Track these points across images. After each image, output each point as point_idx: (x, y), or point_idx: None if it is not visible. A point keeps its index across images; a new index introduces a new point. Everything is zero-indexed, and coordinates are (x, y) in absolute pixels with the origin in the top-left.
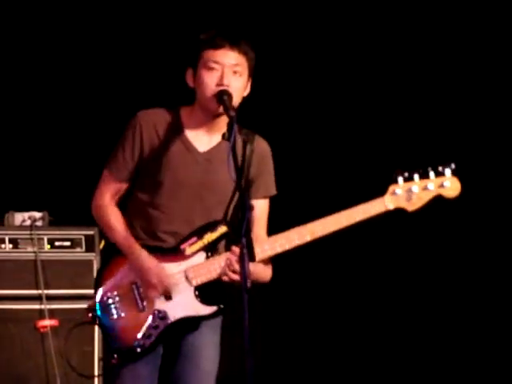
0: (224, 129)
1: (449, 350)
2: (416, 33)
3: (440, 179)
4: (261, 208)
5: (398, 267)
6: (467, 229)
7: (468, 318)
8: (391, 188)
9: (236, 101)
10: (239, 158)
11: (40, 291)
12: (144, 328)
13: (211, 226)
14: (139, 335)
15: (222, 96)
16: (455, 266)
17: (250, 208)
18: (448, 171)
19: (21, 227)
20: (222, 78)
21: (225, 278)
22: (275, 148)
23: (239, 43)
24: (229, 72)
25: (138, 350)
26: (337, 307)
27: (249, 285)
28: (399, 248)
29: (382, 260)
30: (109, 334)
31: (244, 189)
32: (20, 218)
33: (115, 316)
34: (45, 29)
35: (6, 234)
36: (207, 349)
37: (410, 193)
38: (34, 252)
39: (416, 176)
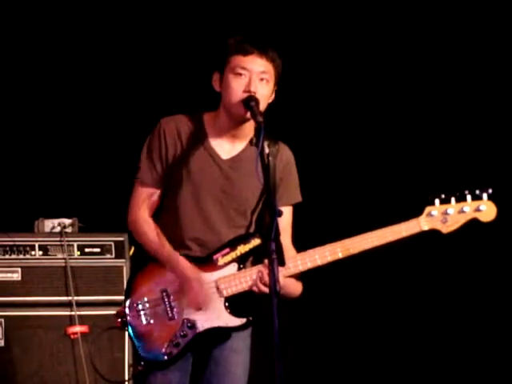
0: (248, 136)
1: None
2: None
3: (476, 203)
4: (285, 216)
5: (424, 279)
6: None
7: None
8: (427, 209)
9: (262, 107)
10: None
11: (70, 298)
12: (172, 336)
13: (244, 238)
14: (167, 343)
15: (250, 102)
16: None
17: (279, 213)
18: (485, 195)
19: (51, 234)
20: (249, 84)
21: (254, 289)
22: (309, 157)
23: (267, 50)
24: (256, 78)
25: (166, 358)
26: (365, 314)
27: (278, 289)
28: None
29: (409, 267)
30: (137, 341)
31: (272, 194)
32: (50, 224)
33: (144, 322)
34: (71, 41)
35: (36, 241)
36: (238, 354)
37: (445, 215)
38: (64, 259)
39: (453, 199)
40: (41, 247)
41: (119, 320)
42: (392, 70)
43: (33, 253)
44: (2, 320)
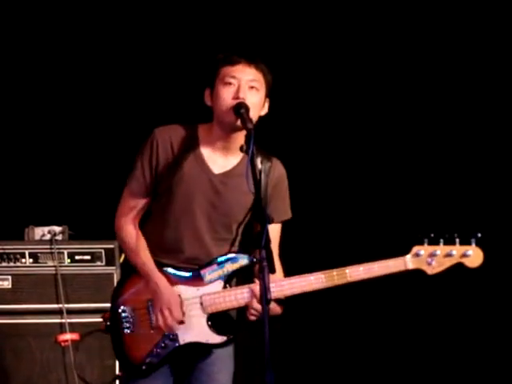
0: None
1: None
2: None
3: (464, 248)
4: (273, 232)
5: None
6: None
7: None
8: (415, 249)
9: (253, 117)
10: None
11: (60, 305)
12: (153, 346)
13: (233, 257)
14: (147, 353)
15: (240, 109)
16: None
17: (270, 220)
18: (473, 240)
19: (41, 241)
20: (238, 91)
21: (251, 311)
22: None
23: (256, 60)
24: (245, 86)
25: (144, 367)
26: (356, 324)
27: (269, 296)
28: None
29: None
30: (118, 347)
31: (263, 201)
32: (40, 232)
33: (127, 330)
34: (74, 49)
35: (27, 249)
36: (222, 361)
37: (432, 257)
38: (55, 266)
39: (441, 240)
40: (31, 255)
41: (103, 323)
42: (385, 104)
43: (23, 260)
44: None
